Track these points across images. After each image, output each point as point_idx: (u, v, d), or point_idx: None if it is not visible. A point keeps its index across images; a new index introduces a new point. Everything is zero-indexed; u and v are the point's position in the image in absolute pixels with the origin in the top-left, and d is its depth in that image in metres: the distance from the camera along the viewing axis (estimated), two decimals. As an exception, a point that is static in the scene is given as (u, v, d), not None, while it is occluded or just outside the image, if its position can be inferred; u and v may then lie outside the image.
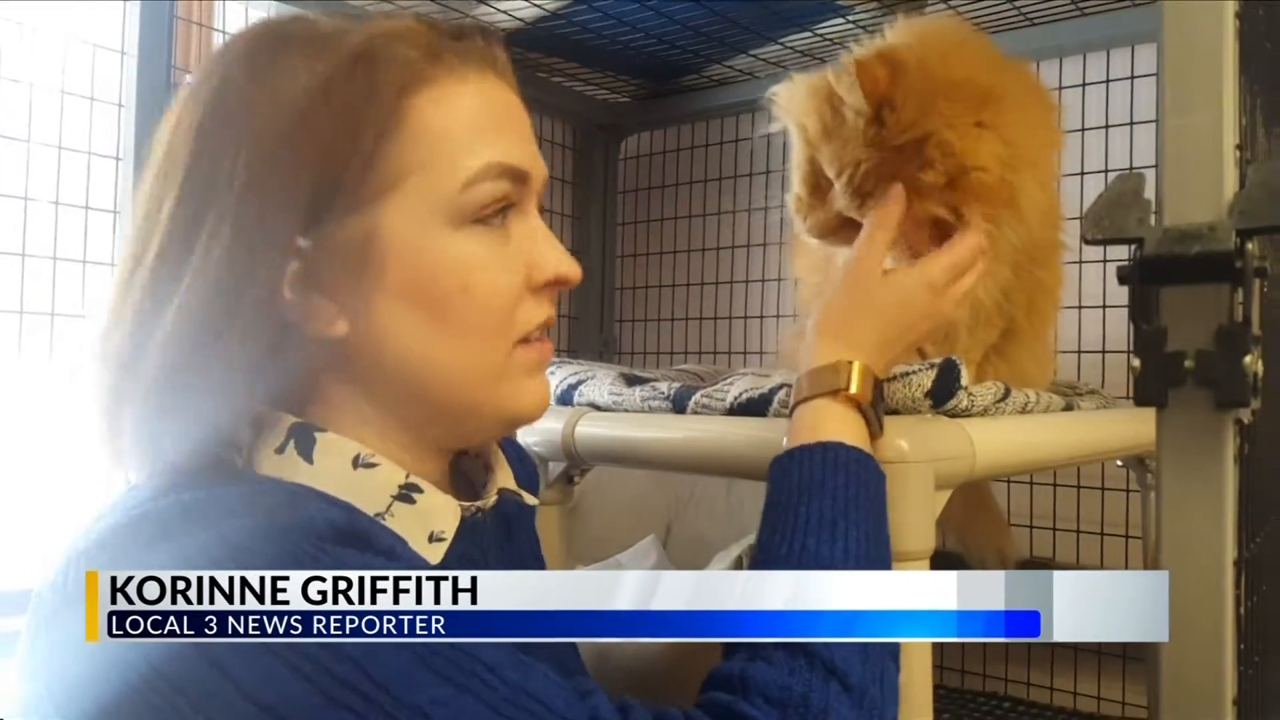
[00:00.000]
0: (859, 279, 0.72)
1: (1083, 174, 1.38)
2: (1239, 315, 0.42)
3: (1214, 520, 0.43)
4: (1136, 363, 0.43)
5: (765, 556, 0.59)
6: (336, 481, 0.53)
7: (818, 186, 0.82)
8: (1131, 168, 1.35)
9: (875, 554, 0.60)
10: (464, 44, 0.57)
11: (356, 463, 0.55)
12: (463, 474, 0.66)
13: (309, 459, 0.54)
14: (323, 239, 0.53)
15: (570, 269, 0.59)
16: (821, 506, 0.59)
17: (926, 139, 0.74)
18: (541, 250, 0.58)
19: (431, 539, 0.56)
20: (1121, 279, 0.44)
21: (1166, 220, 0.44)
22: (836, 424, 0.65)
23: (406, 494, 0.56)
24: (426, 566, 0.51)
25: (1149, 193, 0.45)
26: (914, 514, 0.67)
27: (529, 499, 0.67)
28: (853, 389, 0.65)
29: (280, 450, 0.54)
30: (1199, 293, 0.43)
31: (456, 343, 0.56)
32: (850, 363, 0.66)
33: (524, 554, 0.70)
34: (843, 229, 0.81)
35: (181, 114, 0.55)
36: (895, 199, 0.75)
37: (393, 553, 0.50)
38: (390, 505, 0.55)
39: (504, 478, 0.65)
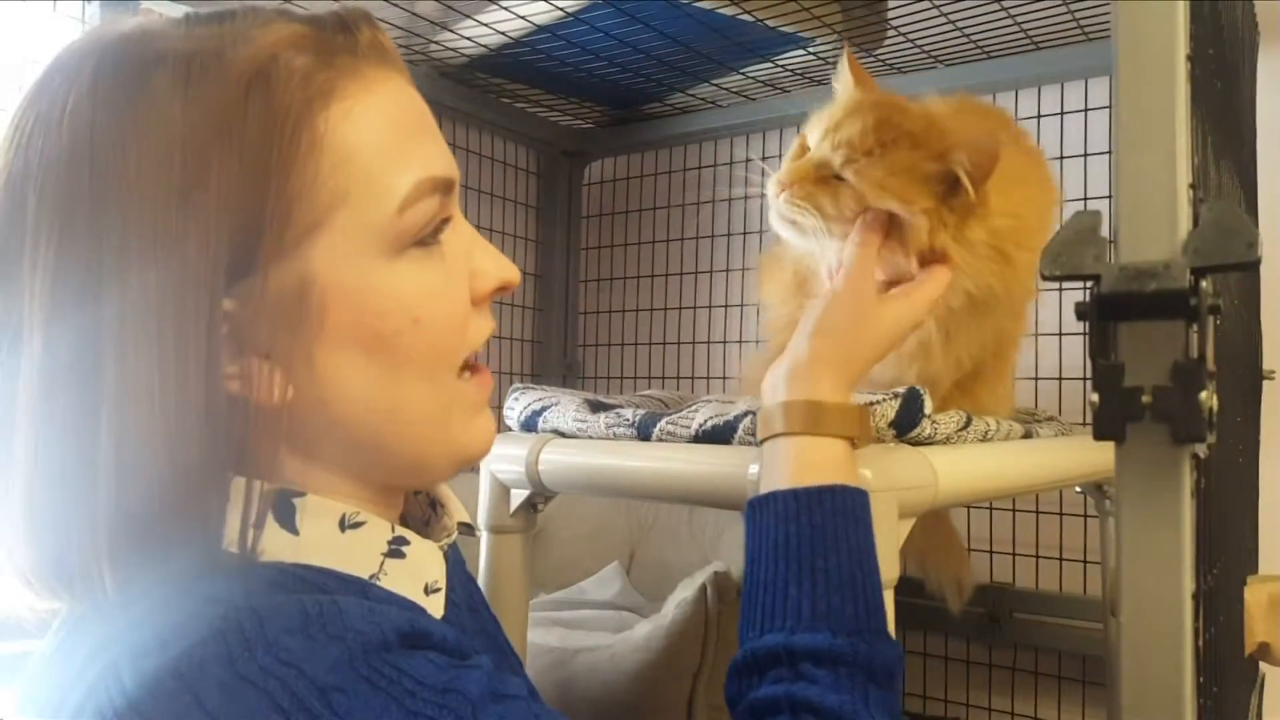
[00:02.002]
0: (860, 308, 0.69)
1: (1039, 204, 1.40)
2: (1194, 351, 0.43)
3: (1172, 553, 0.43)
4: (1095, 398, 0.44)
5: (784, 607, 0.57)
6: (327, 549, 0.50)
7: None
8: (1086, 198, 1.37)
9: (880, 598, 0.60)
10: (353, 39, 0.50)
11: (344, 524, 0.51)
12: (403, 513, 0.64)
13: (293, 529, 0.49)
14: (249, 296, 0.46)
15: (511, 273, 0.56)
16: (840, 561, 0.58)
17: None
18: (480, 258, 0.55)
19: (427, 590, 0.54)
20: (1079, 315, 0.45)
21: (1122, 258, 0.45)
22: (846, 466, 0.63)
23: (396, 549, 0.53)
24: (460, 645, 0.48)
25: (1105, 230, 0.46)
26: (878, 543, 0.67)
27: (478, 532, 0.66)
28: (864, 437, 0.65)
29: (258, 524, 0.48)
30: (1155, 329, 0.44)
31: (411, 381, 0.51)
32: (858, 407, 0.65)
33: (465, 579, 0.69)
34: (819, 186, 0.78)
35: (25, 174, 0.45)
36: (872, 225, 0.73)
37: (446, 643, 0.47)
38: (382, 564, 0.52)
39: (458, 512, 0.63)
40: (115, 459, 0.44)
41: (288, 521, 0.49)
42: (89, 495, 0.44)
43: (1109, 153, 1.36)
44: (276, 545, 0.49)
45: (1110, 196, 1.44)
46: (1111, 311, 0.44)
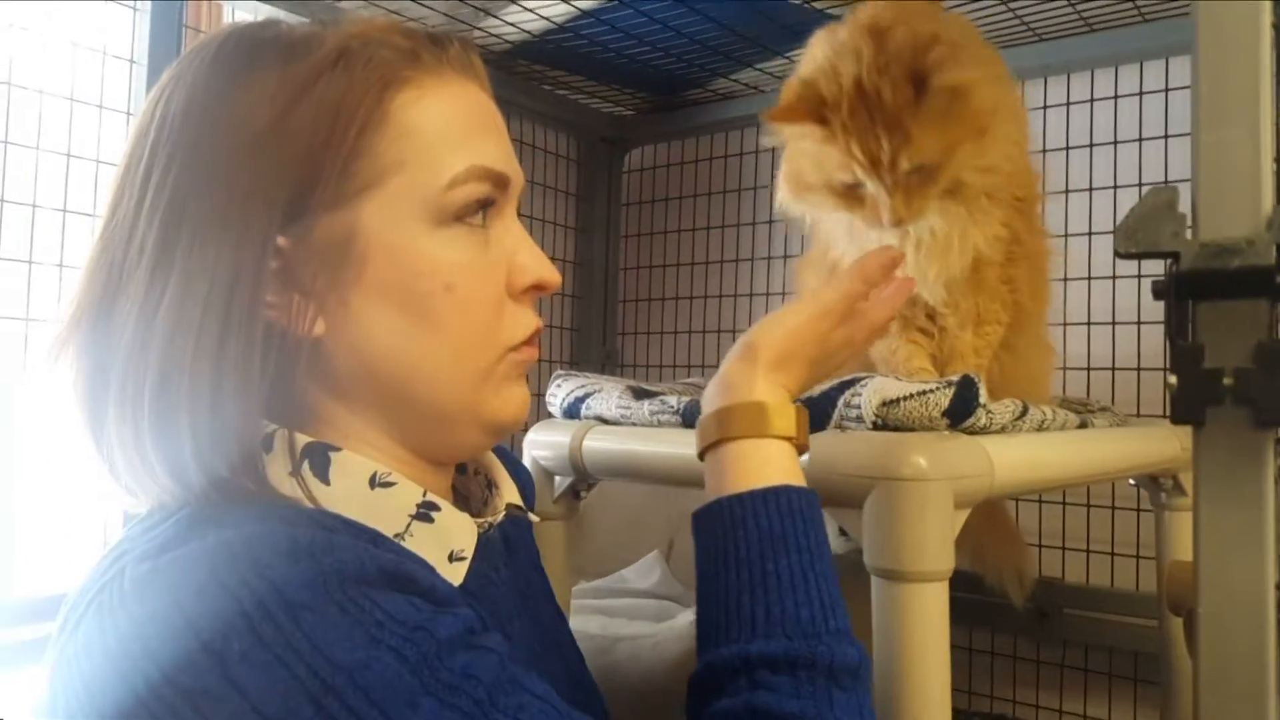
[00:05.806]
0: (814, 325, 0.64)
1: (1091, 190, 1.37)
2: (1279, 332, 0.41)
3: (1253, 542, 0.41)
4: (1173, 380, 0.42)
5: (737, 618, 0.55)
6: (355, 503, 0.52)
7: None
8: (1140, 183, 1.34)
9: (838, 597, 0.57)
10: (441, 49, 0.57)
11: (374, 482, 0.53)
12: (458, 491, 0.65)
13: (325, 479, 0.52)
14: (302, 237, 0.52)
15: (550, 274, 0.59)
16: (790, 562, 0.56)
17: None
18: (521, 255, 0.58)
19: (452, 558, 0.55)
20: (1157, 294, 0.43)
21: (1202, 235, 0.43)
22: (790, 467, 0.60)
23: (425, 513, 0.54)
24: (451, 598, 0.49)
25: (1183, 206, 0.44)
26: (933, 534, 0.65)
27: (531, 516, 0.66)
28: (803, 438, 0.62)
29: (295, 471, 0.52)
30: (1237, 308, 0.42)
31: (438, 343, 0.54)
32: (796, 407, 0.62)
33: (527, 568, 0.69)
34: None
35: (150, 119, 0.54)
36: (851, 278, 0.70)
37: (434, 592, 0.47)
38: (409, 525, 0.54)
39: (509, 493, 0.63)
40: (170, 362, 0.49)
41: (321, 471, 0.53)
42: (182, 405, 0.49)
43: (1164, 136, 1.33)
44: (309, 492, 0.51)
45: (1166, 181, 1.41)
46: (1191, 290, 0.42)
